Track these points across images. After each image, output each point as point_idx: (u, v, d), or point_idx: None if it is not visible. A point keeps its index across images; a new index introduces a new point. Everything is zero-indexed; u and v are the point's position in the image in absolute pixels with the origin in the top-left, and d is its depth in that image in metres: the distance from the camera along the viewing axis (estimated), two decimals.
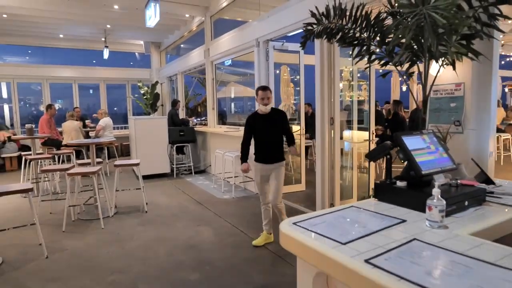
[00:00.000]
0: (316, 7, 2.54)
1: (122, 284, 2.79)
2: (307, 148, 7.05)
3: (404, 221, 1.50)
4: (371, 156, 1.93)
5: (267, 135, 3.44)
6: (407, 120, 6.57)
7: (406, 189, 1.72)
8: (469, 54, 2.20)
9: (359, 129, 5.17)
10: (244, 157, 3.53)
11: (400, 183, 1.76)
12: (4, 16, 7.71)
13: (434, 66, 2.30)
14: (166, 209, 4.86)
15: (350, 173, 5.03)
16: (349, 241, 1.29)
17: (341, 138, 4.90)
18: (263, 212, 3.60)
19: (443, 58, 2.20)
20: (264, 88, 3.43)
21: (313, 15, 2.52)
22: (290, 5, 4.70)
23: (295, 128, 6.70)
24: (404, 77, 2.43)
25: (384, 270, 1.06)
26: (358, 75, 5.05)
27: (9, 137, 8.50)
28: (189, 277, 2.88)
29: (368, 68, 3.84)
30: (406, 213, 1.60)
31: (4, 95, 10.73)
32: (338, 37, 2.52)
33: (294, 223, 1.53)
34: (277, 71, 7.53)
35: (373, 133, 4.46)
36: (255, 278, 2.86)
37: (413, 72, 2.45)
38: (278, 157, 3.43)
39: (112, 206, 4.73)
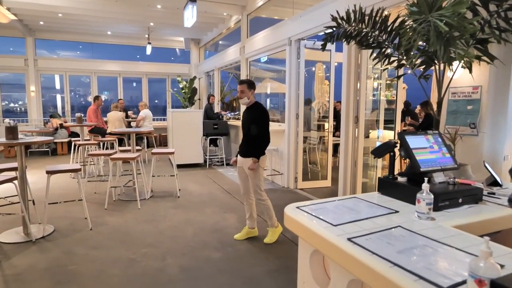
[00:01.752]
0: (337, 11, 2.70)
1: (153, 256, 3.15)
2: (336, 145, 7.12)
3: (396, 211, 1.66)
4: (376, 153, 2.08)
5: (243, 128, 3.51)
6: None
7: (406, 184, 1.87)
8: (485, 58, 2.27)
9: (387, 128, 5.21)
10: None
11: (401, 179, 1.91)
12: (60, 15, 8.49)
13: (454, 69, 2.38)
14: (196, 196, 5.23)
15: (375, 172, 5.10)
16: (340, 224, 1.49)
17: (367, 136, 4.98)
18: (245, 206, 3.68)
19: (457, 62, 2.29)
20: (240, 82, 3.49)
21: (333, 19, 2.68)
22: (323, 5, 4.82)
23: (325, 125, 6.82)
24: (420, 79, 2.53)
25: (361, 247, 1.25)
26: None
27: (61, 124, 9.38)
28: (212, 256, 3.18)
29: (395, 69, 3.91)
30: (402, 205, 1.75)
31: (57, 86, 11.76)
32: (357, 40, 2.66)
33: (298, 207, 1.74)
34: (313, 69, 7.64)
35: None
36: (271, 261, 3.10)
37: (429, 75, 2.54)
38: (248, 152, 3.40)
39: (148, 190, 5.19)
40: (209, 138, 7.82)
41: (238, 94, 3.43)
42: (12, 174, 3.58)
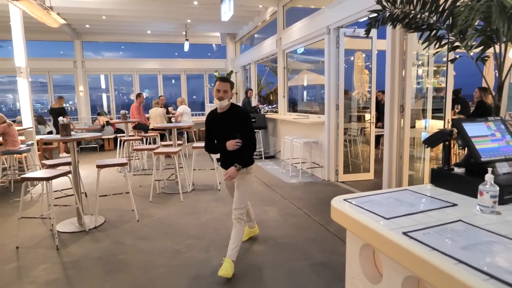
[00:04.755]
0: None
1: (197, 247, 3.23)
2: (378, 137, 6.87)
3: (455, 205, 1.53)
4: (429, 142, 1.94)
5: (224, 137, 2.83)
6: None
7: (464, 175, 1.73)
8: None
9: (435, 118, 4.91)
10: (214, 150, 3.03)
11: (458, 170, 1.77)
12: (103, 17, 8.92)
13: None
14: None
15: (423, 164, 4.83)
16: (393, 217, 1.40)
17: (413, 126, 4.72)
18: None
19: None
20: (222, 79, 2.84)
21: (378, 1, 2.53)
22: None
23: (366, 116, 6.58)
24: (477, 62, 2.33)
25: (419, 242, 1.16)
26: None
27: (107, 122, 9.88)
28: (254, 248, 3.20)
29: (446, 53, 3.65)
30: (460, 198, 1.62)
31: (103, 85, 12.41)
32: (404, 23, 2.50)
33: (345, 200, 1.67)
34: (351, 58, 7.39)
35: (448, 122, 4.20)
36: (314, 255, 3.05)
37: (487, 57, 2.33)
38: (239, 161, 2.82)
39: (190, 183, 5.32)
40: None
41: (219, 94, 2.77)
42: (67, 168, 3.82)
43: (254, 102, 9.85)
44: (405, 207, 1.51)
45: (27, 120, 6.21)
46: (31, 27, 7.51)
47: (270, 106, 9.54)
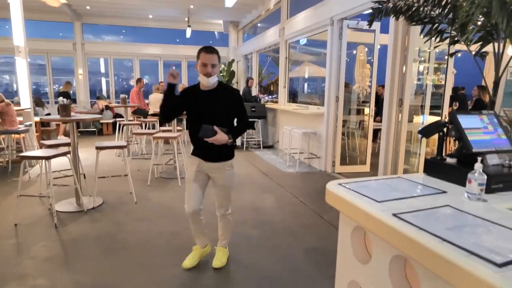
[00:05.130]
0: None
1: None
2: (376, 131, 6.93)
3: (444, 192, 1.59)
4: (424, 132, 1.99)
5: (208, 121, 2.28)
6: None
7: (456, 165, 1.79)
8: None
9: (433, 114, 4.96)
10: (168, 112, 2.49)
11: (450, 160, 1.83)
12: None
13: None
14: None
15: (418, 159, 4.90)
16: (384, 200, 1.46)
17: (411, 121, 4.78)
18: (192, 224, 2.73)
19: None
20: (209, 50, 2.28)
21: None
22: None
23: (366, 110, 6.63)
24: (476, 57, 2.37)
25: (408, 222, 1.22)
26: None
27: (106, 106, 9.87)
28: (250, 233, 3.27)
29: (447, 49, 3.68)
30: (450, 186, 1.68)
31: (102, 70, 12.35)
32: (407, 15, 2.53)
33: (340, 184, 1.73)
34: (354, 52, 7.39)
35: (445, 118, 4.26)
36: (308, 241, 3.13)
37: (486, 52, 2.37)
38: (224, 154, 2.48)
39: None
40: None
41: (207, 69, 2.28)
42: (66, 149, 3.85)
43: (255, 91, 9.86)
44: (397, 193, 1.57)
45: (25, 101, 6.20)
46: (30, 6, 7.43)
47: (270, 96, 9.56)
